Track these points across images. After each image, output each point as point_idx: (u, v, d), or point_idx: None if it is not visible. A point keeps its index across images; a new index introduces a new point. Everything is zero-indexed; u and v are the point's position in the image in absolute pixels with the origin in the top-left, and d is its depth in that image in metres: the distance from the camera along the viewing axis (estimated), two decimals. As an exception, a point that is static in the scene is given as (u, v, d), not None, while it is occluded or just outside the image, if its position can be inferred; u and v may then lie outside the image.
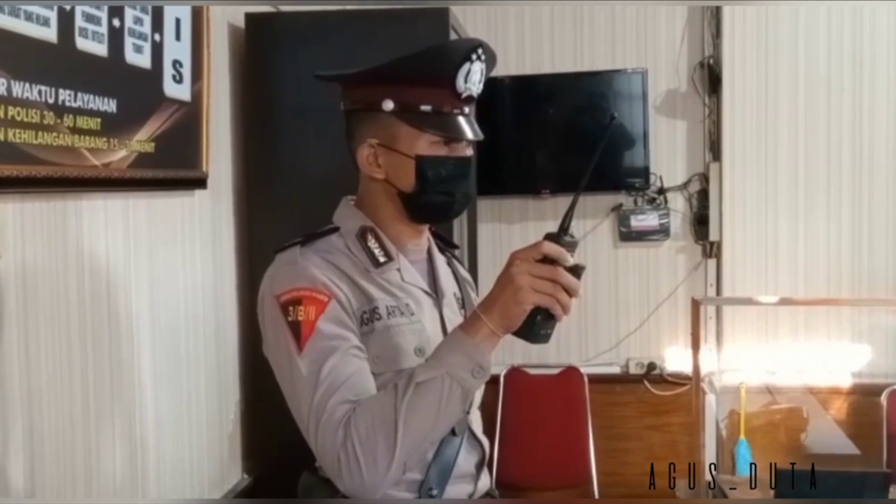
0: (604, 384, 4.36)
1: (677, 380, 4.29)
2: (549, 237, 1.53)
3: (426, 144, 1.70)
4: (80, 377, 2.22)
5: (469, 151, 1.76)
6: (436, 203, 1.74)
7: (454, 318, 1.83)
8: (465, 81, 1.68)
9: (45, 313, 2.08)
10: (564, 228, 1.54)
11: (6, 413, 1.93)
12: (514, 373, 4.37)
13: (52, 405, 2.10)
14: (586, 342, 4.44)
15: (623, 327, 4.41)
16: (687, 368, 4.22)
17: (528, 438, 4.32)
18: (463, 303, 1.90)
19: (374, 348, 1.68)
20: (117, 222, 2.37)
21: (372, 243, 1.76)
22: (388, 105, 1.69)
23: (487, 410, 4.24)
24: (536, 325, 1.54)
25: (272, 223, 2.98)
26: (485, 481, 1.85)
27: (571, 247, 1.53)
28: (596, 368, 4.39)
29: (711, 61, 4.27)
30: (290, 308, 1.64)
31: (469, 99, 1.72)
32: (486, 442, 1.88)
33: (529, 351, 4.31)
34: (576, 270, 1.52)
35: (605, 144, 1.63)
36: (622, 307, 4.40)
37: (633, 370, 4.36)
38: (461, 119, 1.72)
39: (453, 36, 3.17)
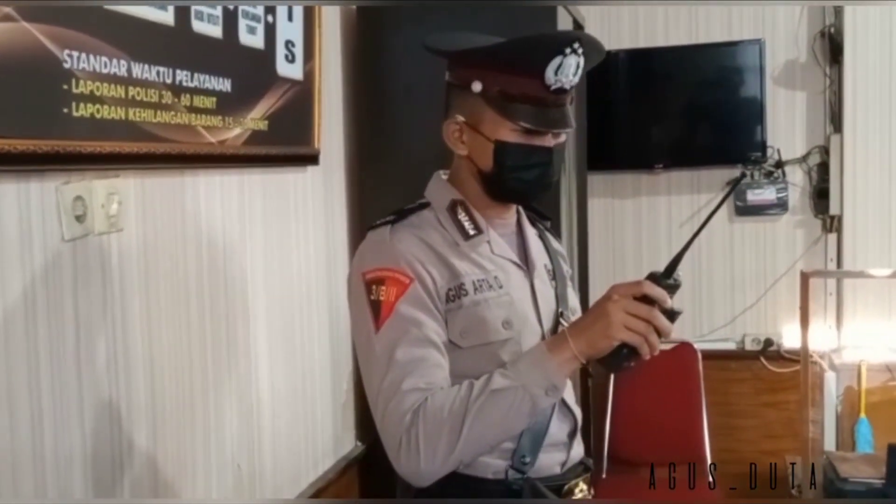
0: (719, 360, 4.32)
1: (795, 356, 4.17)
2: (652, 277, 1.55)
3: (507, 131, 1.71)
4: (199, 346, 2.31)
5: (552, 141, 1.75)
6: (511, 187, 1.76)
7: (545, 289, 1.85)
8: (556, 74, 1.67)
9: (165, 285, 2.16)
10: (670, 271, 1.56)
11: (130, 379, 2.03)
12: None
13: (173, 372, 2.19)
14: (701, 317, 4.40)
15: (739, 303, 4.35)
16: (798, 344, 4.20)
17: (640, 414, 4.31)
18: (554, 274, 1.90)
19: (461, 323, 1.71)
20: (232, 197, 2.45)
21: (462, 216, 1.78)
22: (477, 87, 1.71)
23: (600, 384, 4.28)
24: (620, 358, 1.57)
25: (383, 198, 3.00)
26: (577, 450, 1.87)
27: (673, 290, 1.55)
28: (711, 344, 4.35)
29: (832, 30, 4.15)
30: (373, 287, 1.69)
31: (560, 91, 1.71)
32: (578, 411, 1.89)
33: None
34: (672, 314, 1.54)
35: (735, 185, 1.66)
36: (738, 283, 4.34)
37: (749, 346, 4.30)
38: (549, 110, 1.72)
39: (561, 12, 3.18)
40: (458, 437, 1.59)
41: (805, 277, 2.98)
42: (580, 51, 1.67)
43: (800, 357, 4.11)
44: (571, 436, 1.84)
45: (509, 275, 1.79)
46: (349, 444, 3.14)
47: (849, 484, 2.88)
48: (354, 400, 3.17)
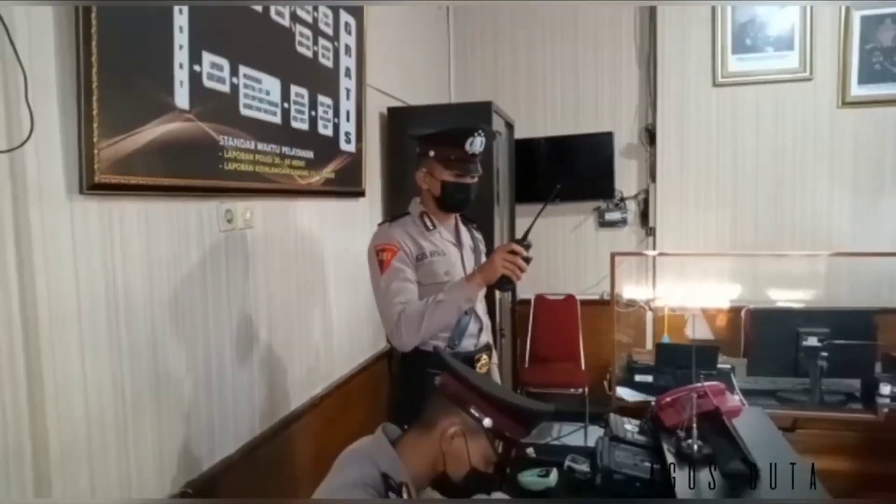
0: (590, 306, 4.32)
1: (632, 304, 4.26)
2: (515, 240, 1.66)
3: (448, 175, 1.77)
4: (296, 291, 2.31)
5: (470, 181, 1.79)
6: (449, 204, 1.82)
7: (468, 256, 1.90)
8: (470, 146, 1.74)
9: (278, 259, 2.18)
10: (525, 237, 1.67)
11: (258, 309, 2.04)
12: (540, 297, 4.39)
13: (281, 306, 2.20)
14: (578, 280, 4.40)
15: (601, 272, 4.33)
16: (635, 296, 4.22)
17: (545, 333, 4.36)
18: (474, 250, 1.94)
19: (423, 272, 1.77)
20: (314, 213, 2.45)
21: (426, 220, 1.85)
22: (432, 153, 1.78)
23: (524, 317, 4.30)
24: (503, 283, 1.67)
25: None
26: (484, 338, 1.90)
27: (527, 247, 1.66)
28: (585, 296, 4.36)
29: (650, 125, 4.21)
30: (380, 252, 1.76)
31: (474, 156, 1.76)
32: (486, 319, 1.92)
33: (548, 285, 4.37)
34: (527, 259, 1.65)
35: (552, 198, 1.80)
36: (601, 263, 4.28)
37: (605, 297, 4.31)
38: (469, 165, 1.77)
39: (496, 118, 3.22)
40: (421, 325, 1.66)
41: (612, 256, 3.04)
42: (482, 135, 1.75)
43: (632, 304, 4.20)
44: (480, 332, 1.89)
45: (449, 248, 1.85)
46: (382, 343, 3.10)
47: (635, 364, 2.83)
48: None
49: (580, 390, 3.93)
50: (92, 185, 1.37)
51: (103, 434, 1.43)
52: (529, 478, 1.79)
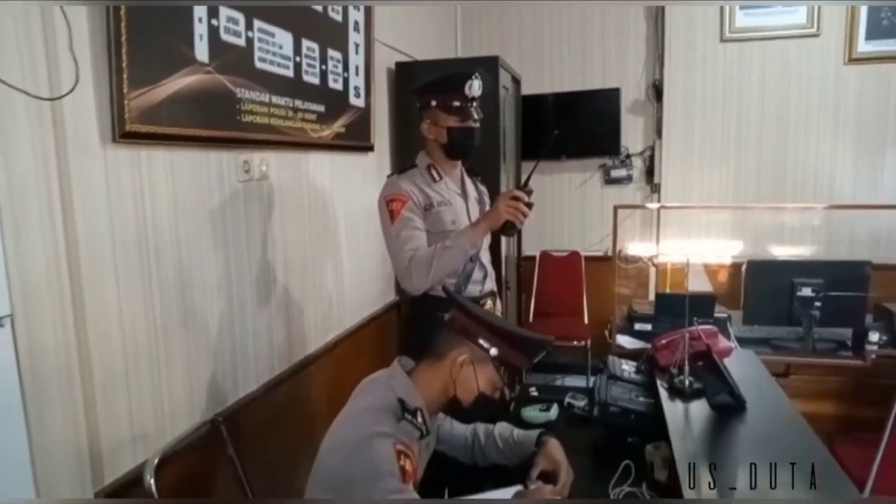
0: (594, 261, 4.39)
1: (634, 259, 4.32)
2: (518, 187, 1.73)
3: (451, 121, 1.83)
4: (309, 241, 2.39)
5: (474, 125, 1.84)
6: (456, 150, 1.88)
7: (473, 206, 1.98)
8: (470, 90, 1.80)
9: (290, 207, 2.25)
10: (526, 183, 1.74)
11: (275, 253, 2.14)
12: (545, 254, 4.47)
13: (296, 251, 2.29)
14: (583, 237, 4.46)
15: (606, 229, 4.33)
16: (639, 252, 4.29)
17: (549, 288, 4.44)
18: (479, 200, 2.01)
19: (431, 221, 1.85)
20: (326, 166, 2.51)
21: (433, 171, 1.91)
22: (433, 102, 1.84)
23: (529, 273, 4.38)
24: (507, 227, 1.75)
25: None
26: (488, 285, 1.99)
27: (529, 193, 1.73)
28: (589, 252, 4.43)
29: (657, 82, 4.21)
30: (390, 203, 1.83)
31: (473, 99, 1.82)
32: (490, 268, 2.00)
33: (552, 241, 4.46)
34: (529, 205, 1.72)
35: (550, 146, 1.86)
36: (606, 219, 4.27)
37: (609, 253, 4.31)
38: (470, 109, 1.83)
39: (502, 70, 3.25)
40: (430, 270, 1.75)
41: (615, 209, 3.10)
42: (479, 78, 1.81)
43: (635, 259, 4.26)
44: (485, 278, 1.98)
45: (455, 198, 1.93)
46: (391, 295, 3.18)
47: (635, 314, 2.93)
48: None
49: (583, 342, 4.06)
50: (123, 133, 1.47)
51: (138, 363, 1.56)
52: (532, 412, 1.93)
